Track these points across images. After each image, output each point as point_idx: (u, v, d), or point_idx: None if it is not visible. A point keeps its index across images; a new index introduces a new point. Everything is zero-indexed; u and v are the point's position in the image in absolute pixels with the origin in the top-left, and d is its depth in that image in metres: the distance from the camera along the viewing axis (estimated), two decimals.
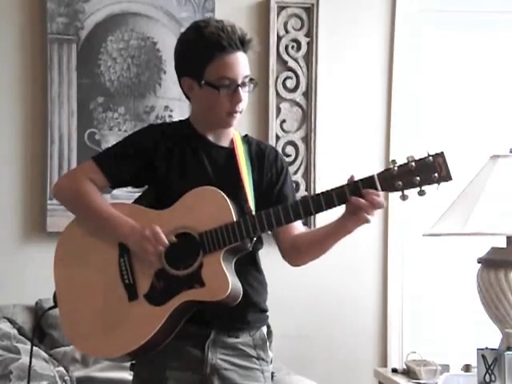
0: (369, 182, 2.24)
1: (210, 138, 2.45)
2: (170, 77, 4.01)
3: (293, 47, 4.10)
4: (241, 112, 2.40)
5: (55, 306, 2.44)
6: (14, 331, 3.54)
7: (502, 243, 3.58)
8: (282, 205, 2.32)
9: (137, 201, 2.48)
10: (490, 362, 3.28)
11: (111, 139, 3.98)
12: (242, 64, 2.35)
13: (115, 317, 2.34)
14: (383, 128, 4.17)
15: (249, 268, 2.41)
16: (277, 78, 4.09)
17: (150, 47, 4.02)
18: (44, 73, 3.96)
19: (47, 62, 3.95)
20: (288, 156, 4.09)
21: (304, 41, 4.10)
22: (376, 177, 2.24)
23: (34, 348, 3.41)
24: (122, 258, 2.36)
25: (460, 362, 3.75)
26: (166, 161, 2.40)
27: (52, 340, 3.70)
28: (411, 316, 4.17)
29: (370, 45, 4.17)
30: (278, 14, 4.08)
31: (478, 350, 3.34)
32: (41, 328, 3.76)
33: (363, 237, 4.12)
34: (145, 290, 2.32)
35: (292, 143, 4.11)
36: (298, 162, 4.10)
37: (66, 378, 3.36)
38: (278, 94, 4.09)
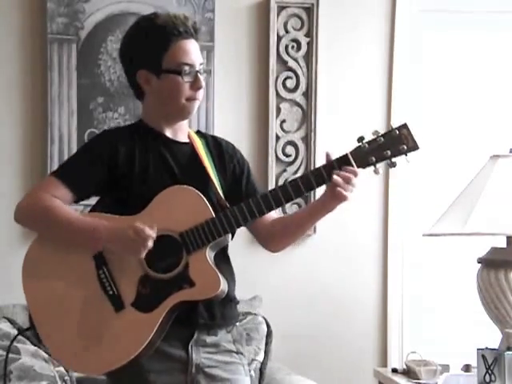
0: (344, 160, 2.33)
1: (168, 134, 2.44)
2: None
3: (293, 47, 4.10)
4: (199, 100, 2.40)
5: (32, 328, 2.39)
6: (14, 331, 3.54)
7: (502, 243, 3.58)
8: (260, 194, 2.33)
9: (93, 209, 2.43)
10: (490, 362, 3.28)
11: None
12: (197, 50, 2.38)
13: (103, 330, 2.30)
14: (383, 128, 4.14)
15: (222, 262, 2.41)
16: (277, 78, 4.09)
17: None
18: (44, 73, 3.96)
19: (47, 62, 3.95)
20: (288, 156, 4.09)
21: (304, 41, 4.10)
22: (350, 155, 2.32)
23: (34, 348, 3.43)
24: (101, 270, 2.32)
25: (460, 361, 3.75)
26: (128, 164, 2.37)
27: None
28: (411, 316, 4.16)
29: (369, 45, 4.17)
30: (278, 14, 4.08)
31: (478, 350, 3.34)
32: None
33: (363, 237, 4.12)
34: (131, 299, 2.30)
35: (292, 143, 4.10)
36: (297, 162, 4.10)
37: (66, 378, 3.36)
38: (277, 94, 4.09)
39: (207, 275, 2.28)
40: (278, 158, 4.09)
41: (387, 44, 4.16)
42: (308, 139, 4.10)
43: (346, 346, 4.10)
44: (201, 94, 2.40)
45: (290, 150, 4.10)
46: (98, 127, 3.98)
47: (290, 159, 4.10)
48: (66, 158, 3.95)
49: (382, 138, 2.31)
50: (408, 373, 3.71)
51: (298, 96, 4.11)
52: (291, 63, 4.10)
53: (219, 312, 2.41)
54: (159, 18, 2.38)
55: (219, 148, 2.49)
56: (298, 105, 4.12)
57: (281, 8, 4.09)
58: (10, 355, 3.34)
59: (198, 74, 2.37)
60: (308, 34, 4.10)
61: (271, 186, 3.97)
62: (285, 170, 4.09)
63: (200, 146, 2.44)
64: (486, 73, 4.23)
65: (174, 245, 2.29)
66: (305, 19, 4.10)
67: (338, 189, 2.29)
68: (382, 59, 4.17)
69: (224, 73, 4.03)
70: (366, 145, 2.31)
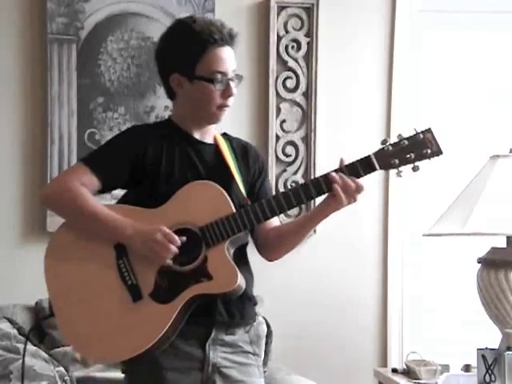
0: (367, 162, 2.34)
1: (196, 135, 2.46)
2: None
3: (293, 47, 4.10)
4: (229, 106, 2.42)
5: (52, 315, 2.40)
6: (14, 331, 3.54)
7: (502, 243, 3.58)
8: (280, 192, 2.35)
9: (120, 202, 2.45)
10: (490, 362, 3.28)
11: None
12: (231, 58, 2.39)
13: (121, 319, 2.32)
14: (383, 128, 4.17)
15: (240, 261, 2.41)
16: (277, 78, 4.09)
17: (150, 47, 4.02)
18: (44, 73, 3.96)
19: (47, 62, 3.95)
20: (288, 156, 4.09)
21: (304, 41, 4.10)
22: (373, 156, 2.33)
23: (34, 348, 3.43)
24: (121, 260, 2.34)
25: (460, 362, 3.75)
26: (154, 161, 2.39)
27: (52, 340, 3.69)
28: (411, 316, 4.17)
29: (369, 45, 4.17)
30: (278, 14, 4.08)
31: (478, 350, 3.34)
32: (41, 328, 3.76)
33: (363, 237, 4.12)
34: (149, 290, 2.31)
35: (292, 143, 4.11)
36: (297, 162, 4.10)
37: (66, 378, 3.36)
38: (278, 94, 4.09)
39: (225, 269, 2.30)
40: (278, 158, 4.09)
41: (387, 44, 4.16)
42: (308, 139, 4.11)
43: (346, 346, 4.10)
44: (231, 100, 2.42)
45: (289, 149, 4.11)
46: (98, 127, 3.99)
47: (290, 159, 4.10)
48: (65, 157, 3.96)
49: (406, 142, 2.33)
50: (408, 373, 3.71)
51: (297, 96, 4.11)
52: (291, 63, 4.10)
53: (238, 310, 2.41)
54: (196, 23, 2.38)
55: (243, 150, 2.52)
56: (298, 105, 4.12)
57: (281, 8, 4.09)
58: (10, 355, 3.35)
59: (230, 82, 2.38)
60: (308, 34, 4.10)
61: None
62: (285, 170, 4.09)
63: (225, 148, 2.47)
64: (485, 73, 4.23)
65: (194, 238, 2.31)
66: (305, 19, 4.10)
67: (340, 194, 2.31)
68: (382, 59, 4.17)
69: None
70: (390, 147, 2.33)
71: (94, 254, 2.36)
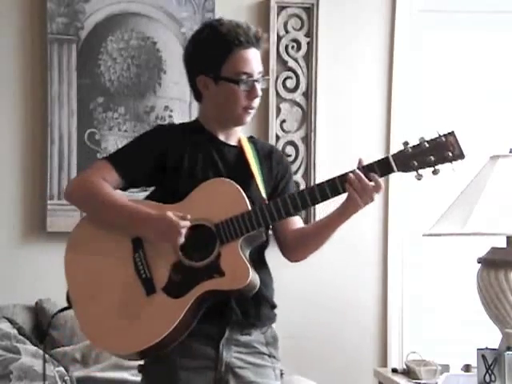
0: (385, 163, 2.33)
1: (221, 137, 2.48)
2: (170, 77, 4.01)
3: (293, 47, 4.10)
4: (256, 108, 2.43)
5: (69, 307, 2.42)
6: (14, 331, 3.54)
7: (502, 243, 3.58)
8: (296, 192, 2.36)
9: (147, 198, 2.48)
10: (490, 362, 3.28)
11: (111, 139, 3.98)
12: (256, 59, 2.40)
13: (134, 312, 2.34)
14: (383, 128, 4.17)
15: (259, 263, 2.42)
16: (277, 78, 4.09)
17: (150, 47, 4.02)
18: (44, 73, 3.96)
19: (47, 62, 3.95)
20: (288, 156, 4.09)
21: (304, 41, 4.10)
22: (391, 157, 2.32)
23: (34, 348, 3.43)
24: (137, 253, 2.36)
25: (460, 362, 3.75)
26: (178, 160, 2.41)
27: (52, 340, 3.69)
28: (411, 316, 4.16)
29: (369, 45, 4.17)
30: (278, 14, 4.08)
31: (477, 350, 3.34)
32: (41, 328, 3.76)
33: (363, 237, 4.12)
34: (162, 284, 2.33)
35: (292, 143, 4.11)
36: (297, 162, 4.10)
37: (66, 378, 3.36)
38: (278, 93, 4.09)
39: (237, 266, 2.30)
40: None
41: (387, 44, 4.16)
42: (308, 139, 4.11)
43: (346, 346, 4.10)
44: (256, 102, 2.42)
45: (290, 150, 4.11)
46: (98, 127, 3.99)
47: (290, 159, 4.09)
48: (66, 157, 3.96)
49: (427, 144, 2.30)
50: (408, 373, 3.71)
51: (297, 96, 4.11)
52: (291, 63, 4.10)
53: (253, 311, 2.41)
54: (223, 25, 2.39)
55: (268, 153, 2.52)
56: (298, 105, 4.12)
57: (281, 8, 4.09)
58: (10, 355, 3.35)
59: (255, 84, 2.39)
60: (308, 34, 4.10)
61: None
62: None
63: (248, 150, 2.48)
64: (485, 73, 4.23)
65: (209, 234, 2.32)
66: (305, 19, 4.10)
67: (355, 195, 2.31)
68: (382, 59, 4.17)
69: None
70: (410, 149, 2.31)
71: (111, 247, 2.39)
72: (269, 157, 2.51)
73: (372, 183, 2.32)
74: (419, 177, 2.34)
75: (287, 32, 4.09)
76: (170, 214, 2.29)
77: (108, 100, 4.00)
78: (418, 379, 3.63)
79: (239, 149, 2.48)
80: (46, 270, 3.91)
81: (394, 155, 2.32)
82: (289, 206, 2.32)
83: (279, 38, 4.08)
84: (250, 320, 2.41)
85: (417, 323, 4.17)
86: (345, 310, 4.11)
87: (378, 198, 4.31)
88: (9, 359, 3.31)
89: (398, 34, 4.15)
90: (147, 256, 2.36)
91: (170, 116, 4.01)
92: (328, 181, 2.34)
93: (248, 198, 2.35)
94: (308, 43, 4.10)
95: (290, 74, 4.11)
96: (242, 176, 2.41)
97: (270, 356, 2.47)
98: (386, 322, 4.14)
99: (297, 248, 2.50)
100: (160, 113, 4.02)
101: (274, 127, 4.08)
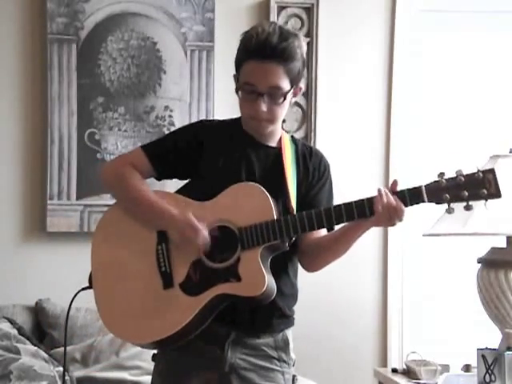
0: (416, 192, 2.28)
1: (260, 138, 2.45)
2: (170, 77, 4.01)
3: None
4: (270, 121, 2.38)
5: (90, 287, 2.44)
6: (14, 331, 3.54)
7: (502, 243, 3.58)
8: (324, 207, 2.33)
9: (179, 191, 2.48)
10: (490, 362, 3.28)
11: (111, 139, 3.98)
12: (267, 73, 2.33)
13: (149, 303, 2.35)
14: (383, 128, 4.17)
15: (280, 273, 2.39)
16: None
17: (150, 47, 4.02)
18: (44, 73, 3.96)
19: (47, 62, 3.95)
20: None
21: (304, 41, 4.09)
22: (423, 188, 2.27)
23: (34, 348, 3.43)
24: (160, 246, 2.37)
25: (460, 361, 3.75)
26: (213, 158, 2.40)
27: (52, 340, 3.70)
28: (411, 316, 4.17)
29: (370, 45, 4.17)
30: (278, 14, 4.08)
31: (477, 349, 3.33)
32: (41, 328, 3.76)
33: (363, 237, 4.11)
34: (180, 279, 2.33)
35: None
36: None
37: (66, 378, 3.36)
38: None
39: (255, 274, 2.28)
40: None
41: (387, 44, 4.17)
42: (308, 139, 4.10)
43: (346, 346, 4.10)
44: (263, 115, 2.36)
45: None
46: (98, 127, 3.99)
47: None
48: (66, 157, 3.96)
49: (463, 178, 2.24)
50: (408, 373, 3.71)
51: (298, 96, 4.10)
52: None
53: (262, 319, 2.39)
54: (252, 30, 2.36)
55: (307, 157, 2.49)
56: (298, 105, 4.12)
57: (281, 8, 4.09)
58: (10, 355, 3.35)
59: (260, 97, 2.33)
60: (308, 34, 4.10)
61: None
62: None
63: (288, 153, 2.45)
64: (485, 73, 4.23)
65: (232, 238, 2.31)
66: (305, 19, 4.10)
67: (378, 214, 2.28)
68: (382, 59, 4.17)
69: (224, 73, 4.02)
70: (444, 181, 2.26)
71: (138, 235, 2.40)
72: (307, 161, 2.48)
73: (395, 204, 2.27)
74: (450, 210, 2.28)
75: None
76: (191, 218, 2.30)
77: (108, 100, 4.00)
78: (418, 379, 3.63)
79: (278, 150, 2.45)
80: (45, 270, 3.91)
81: (427, 185, 2.27)
82: (313, 221, 2.30)
83: None
84: (257, 327, 2.40)
85: (417, 323, 4.17)
86: (345, 309, 4.11)
87: None
88: (9, 359, 3.31)
89: (398, 34, 4.15)
90: (170, 250, 2.36)
91: (170, 116, 4.01)
92: (356, 201, 2.30)
93: (277, 204, 2.33)
94: (308, 43, 4.10)
95: None
96: (275, 181, 2.38)
97: (279, 360, 2.45)
98: (386, 322, 4.15)
99: (314, 258, 2.47)
100: (160, 113, 4.02)
101: None
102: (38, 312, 3.78)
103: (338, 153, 4.14)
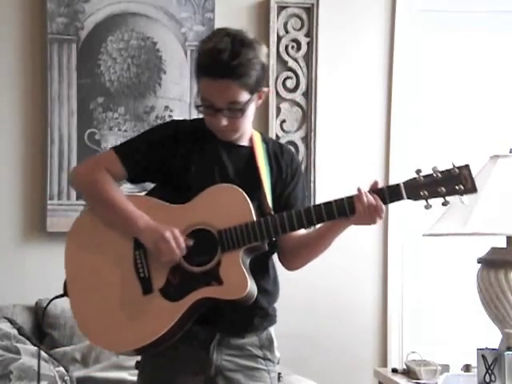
0: (395, 189, 2.30)
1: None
2: (170, 77, 4.01)
3: (293, 47, 4.10)
4: (234, 131, 2.36)
5: (64, 295, 2.41)
6: (14, 331, 3.54)
7: (502, 243, 3.58)
8: (303, 208, 2.33)
9: (152, 193, 2.46)
10: (490, 362, 3.28)
11: (111, 139, 3.98)
12: (223, 91, 2.29)
13: (128, 310, 2.33)
14: (383, 128, 4.17)
15: (261, 271, 2.39)
16: (277, 78, 4.09)
17: (150, 47, 4.02)
18: (44, 73, 3.96)
19: (47, 62, 3.95)
20: None
21: (304, 41, 4.10)
22: (402, 185, 2.30)
23: (34, 348, 3.43)
24: (138, 251, 2.34)
25: (460, 361, 3.75)
26: (185, 158, 2.38)
27: (52, 340, 3.70)
28: (411, 316, 4.17)
29: (369, 45, 4.17)
30: (278, 14, 4.08)
31: (477, 349, 3.33)
32: (41, 328, 3.76)
33: (363, 237, 4.12)
34: (160, 285, 2.31)
35: (292, 143, 4.10)
36: None
37: (66, 378, 3.36)
38: (278, 93, 4.09)
39: (236, 276, 2.28)
40: None
41: (387, 44, 4.16)
42: (308, 139, 4.11)
43: (346, 346, 4.10)
44: (225, 128, 2.34)
45: None
46: (98, 127, 3.99)
47: None
48: (65, 157, 3.96)
49: (440, 175, 2.29)
50: (408, 373, 3.71)
51: (297, 96, 4.11)
52: (291, 63, 4.10)
53: (244, 319, 2.38)
54: (205, 44, 2.32)
55: (278, 155, 2.47)
56: (298, 105, 4.12)
57: (281, 8, 4.09)
58: (10, 355, 3.34)
59: (219, 112, 2.31)
60: (308, 34, 4.10)
61: None
62: None
63: (260, 151, 2.43)
64: (485, 73, 4.23)
65: (211, 241, 2.30)
66: (305, 19, 4.10)
67: (371, 216, 2.30)
68: (382, 59, 4.17)
69: None
70: (422, 178, 2.30)
71: (113, 241, 2.37)
72: (279, 159, 2.46)
73: (375, 202, 2.28)
74: (428, 206, 2.32)
75: (287, 32, 4.09)
76: (168, 234, 2.26)
77: (108, 100, 4.00)
78: (418, 379, 3.63)
79: (250, 149, 2.43)
80: (45, 270, 3.91)
81: (405, 182, 2.30)
82: (294, 222, 2.30)
83: (279, 38, 4.08)
84: (241, 327, 2.39)
85: (417, 323, 4.17)
86: (345, 309, 4.10)
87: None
88: (9, 359, 3.31)
89: (398, 34, 4.15)
90: (147, 255, 2.34)
91: (170, 116, 4.00)
92: (336, 200, 2.31)
93: (253, 204, 2.32)
94: (308, 43, 4.10)
95: (290, 74, 4.11)
96: (250, 180, 2.37)
97: (264, 359, 2.44)
98: (385, 322, 4.14)
99: (294, 256, 2.47)
100: (160, 113, 4.02)
101: (274, 127, 4.08)
102: (37, 312, 3.78)
103: (338, 153, 4.14)
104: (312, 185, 4.08)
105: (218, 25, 4.01)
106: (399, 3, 4.14)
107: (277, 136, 4.08)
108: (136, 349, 2.32)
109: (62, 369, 3.38)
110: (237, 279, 2.27)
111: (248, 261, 2.32)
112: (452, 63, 4.22)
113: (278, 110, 4.10)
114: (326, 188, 4.04)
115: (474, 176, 2.27)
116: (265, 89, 2.39)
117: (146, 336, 2.29)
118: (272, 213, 2.34)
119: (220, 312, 2.34)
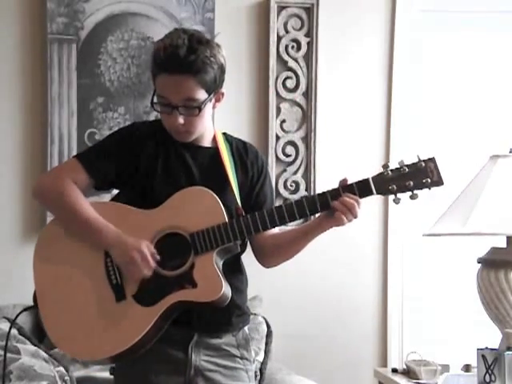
0: (364, 184, 2.31)
1: (194, 139, 2.41)
2: None
3: (293, 47, 4.10)
4: (190, 132, 2.35)
5: (35, 307, 2.40)
6: (14, 331, 3.54)
7: (502, 243, 3.58)
8: (275, 206, 2.33)
9: (114, 199, 2.44)
10: (490, 362, 3.28)
11: None
12: (178, 86, 2.29)
13: (102, 318, 2.31)
14: (383, 128, 4.17)
15: (234, 271, 2.40)
16: (277, 78, 4.09)
17: (150, 47, 4.01)
18: (44, 73, 3.96)
19: (47, 62, 3.95)
20: (288, 156, 4.09)
21: (304, 41, 4.10)
22: (371, 179, 2.30)
23: (34, 348, 3.43)
24: (109, 258, 2.33)
25: (460, 362, 3.75)
26: (150, 161, 2.37)
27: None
28: (411, 316, 4.17)
29: (370, 45, 4.17)
30: (278, 14, 4.08)
31: (477, 349, 3.34)
32: (41, 328, 3.76)
33: (363, 237, 4.12)
34: (133, 291, 2.30)
35: (292, 143, 4.10)
36: (297, 162, 4.10)
37: (66, 378, 3.36)
38: (278, 93, 4.09)
39: (210, 279, 2.28)
40: (278, 158, 4.09)
41: (387, 44, 4.16)
42: (308, 139, 4.10)
43: (346, 346, 4.10)
44: (181, 128, 2.33)
45: (289, 150, 4.11)
46: (98, 127, 3.99)
47: (290, 159, 4.10)
48: (65, 158, 3.95)
49: (407, 168, 2.29)
50: (408, 373, 3.72)
51: (297, 96, 4.11)
52: (291, 63, 4.10)
53: (222, 319, 2.39)
54: (161, 42, 2.34)
55: (242, 152, 2.47)
56: (298, 105, 4.12)
57: (281, 8, 4.09)
58: (10, 355, 3.34)
59: (175, 110, 2.30)
60: (308, 34, 4.10)
61: None
62: (285, 170, 4.09)
63: (224, 151, 2.43)
64: (485, 73, 4.23)
65: (184, 244, 2.29)
66: (305, 19, 4.10)
67: (338, 212, 2.30)
68: (382, 59, 4.17)
69: None
70: (389, 172, 2.30)
71: (83, 250, 2.35)
72: (244, 156, 2.46)
73: (351, 200, 2.29)
74: (397, 200, 2.33)
75: (287, 32, 4.09)
76: (136, 254, 2.25)
77: (108, 100, 4.00)
78: (418, 379, 3.63)
79: (214, 150, 2.43)
80: None
81: (374, 177, 2.31)
82: (266, 221, 2.30)
83: (279, 38, 4.08)
84: (217, 327, 2.40)
85: (417, 323, 4.17)
86: (345, 309, 4.10)
87: (379, 198, 4.33)
88: (9, 359, 3.31)
89: (398, 34, 4.15)
90: None
91: None
92: (307, 198, 2.32)
93: (223, 203, 2.31)
94: (308, 43, 4.10)
95: (290, 74, 4.10)
96: (217, 181, 2.36)
97: (241, 358, 2.44)
98: (385, 322, 4.14)
99: (270, 255, 2.47)
100: None
101: (273, 127, 4.08)
102: (38, 312, 3.77)
103: (338, 153, 4.14)
104: (312, 185, 4.09)
105: (217, 25, 4.02)
106: (399, 3, 4.14)
107: (277, 136, 4.09)
108: (112, 356, 2.30)
109: (62, 369, 3.38)
110: (211, 281, 2.27)
111: (221, 263, 2.33)
112: (452, 63, 4.22)
113: (278, 109, 4.10)
114: (326, 188, 4.03)
115: (439, 168, 2.28)
116: (223, 90, 2.40)
117: (122, 342, 2.27)
118: (243, 213, 2.34)
119: (197, 312, 2.33)
